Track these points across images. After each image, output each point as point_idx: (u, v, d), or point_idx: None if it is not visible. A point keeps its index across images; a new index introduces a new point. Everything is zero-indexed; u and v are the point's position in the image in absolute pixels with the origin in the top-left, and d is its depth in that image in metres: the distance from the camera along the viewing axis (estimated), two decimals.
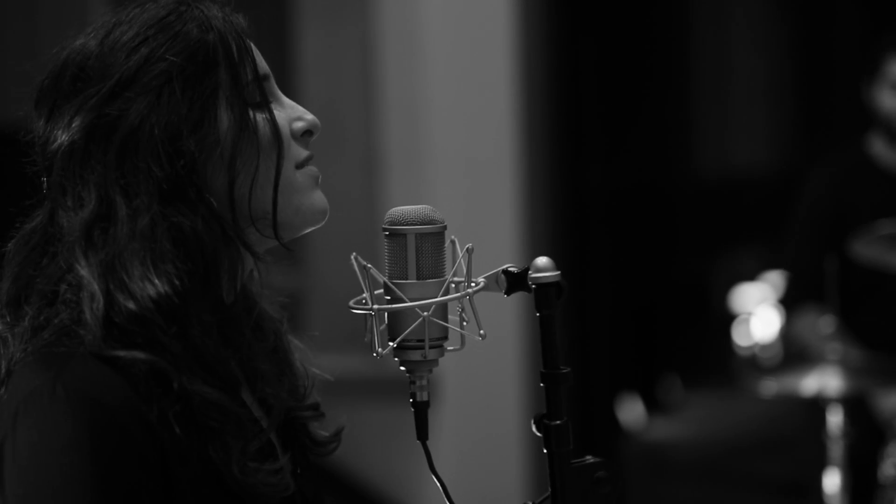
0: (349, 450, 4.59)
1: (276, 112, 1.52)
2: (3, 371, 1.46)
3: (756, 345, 5.13)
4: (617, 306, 5.62)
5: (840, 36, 5.40)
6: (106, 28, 1.51)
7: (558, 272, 1.46)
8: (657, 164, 5.78)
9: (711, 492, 4.79)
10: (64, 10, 4.83)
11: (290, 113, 1.55)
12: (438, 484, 1.49)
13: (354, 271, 1.47)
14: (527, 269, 1.47)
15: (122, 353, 1.40)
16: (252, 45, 1.54)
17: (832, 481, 3.19)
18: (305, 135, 1.55)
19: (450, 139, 4.76)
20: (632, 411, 5.11)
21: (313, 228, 1.56)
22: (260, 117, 1.51)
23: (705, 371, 5.59)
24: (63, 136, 1.46)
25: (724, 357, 5.32)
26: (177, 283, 1.42)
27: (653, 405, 5.20)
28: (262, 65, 1.54)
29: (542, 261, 1.47)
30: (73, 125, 1.46)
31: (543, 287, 1.46)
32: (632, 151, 5.67)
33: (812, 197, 3.96)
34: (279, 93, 1.56)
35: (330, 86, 4.78)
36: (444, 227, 1.48)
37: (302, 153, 1.54)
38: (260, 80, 1.52)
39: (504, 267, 1.49)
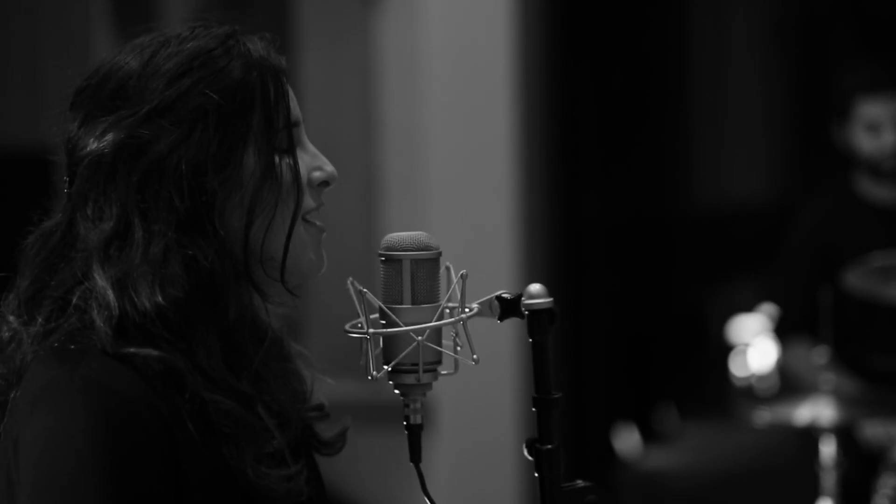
0: (345, 474, 4.61)
1: (299, 160, 1.54)
2: (16, 370, 1.48)
3: (752, 376, 5.13)
4: (613, 335, 5.63)
5: (837, 68, 5.42)
6: (152, 49, 1.52)
7: (551, 299, 1.49)
8: (654, 194, 5.79)
9: None
10: (65, 41, 4.86)
11: (312, 162, 1.57)
12: None
13: (350, 296, 1.49)
14: (520, 296, 1.50)
15: (135, 350, 1.43)
16: (289, 88, 1.56)
17: None
18: (321, 185, 1.58)
19: (448, 167, 4.78)
20: (627, 440, 5.12)
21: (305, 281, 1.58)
22: (284, 164, 1.53)
23: (701, 401, 5.59)
24: (93, 146, 1.49)
25: (720, 387, 5.33)
26: (182, 306, 1.45)
27: (649, 434, 5.21)
28: (295, 111, 1.56)
29: (534, 287, 1.49)
30: (105, 139, 1.48)
31: (536, 313, 1.48)
32: (629, 182, 5.69)
33: (801, 232, 3.97)
34: (305, 139, 1.58)
35: (329, 111, 4.80)
36: (440, 254, 1.50)
37: (311, 204, 1.56)
38: (291, 126, 1.54)
39: (498, 293, 1.52)
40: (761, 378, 4.96)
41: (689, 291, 5.88)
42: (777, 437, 4.56)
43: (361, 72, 4.92)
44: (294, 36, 5.00)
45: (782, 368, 3.96)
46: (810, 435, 3.29)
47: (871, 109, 3.80)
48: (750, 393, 4.92)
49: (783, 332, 3.94)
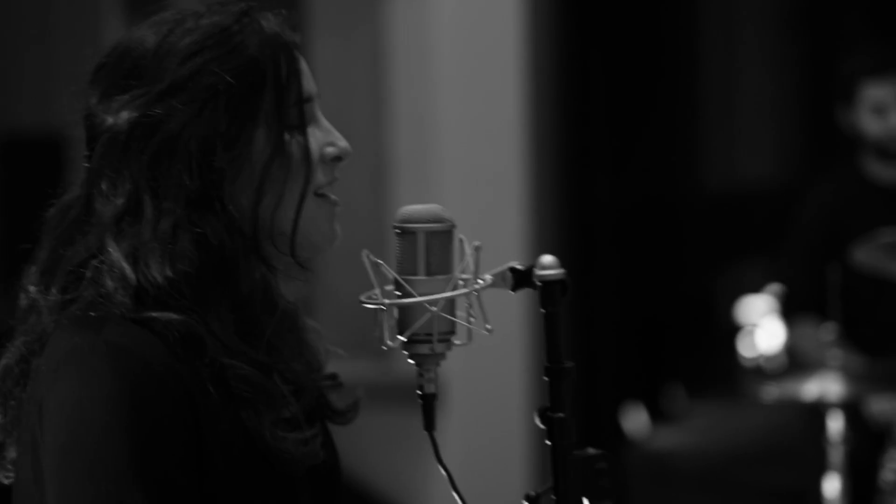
0: (355, 455, 4.63)
1: (310, 136, 1.56)
2: (38, 338, 1.51)
3: (761, 356, 5.15)
4: (622, 317, 5.65)
5: (846, 51, 5.43)
6: (168, 26, 1.54)
7: (563, 270, 1.52)
8: (664, 177, 5.81)
9: (714, 500, 4.81)
10: (76, 25, 4.88)
11: (324, 137, 1.58)
12: (445, 474, 1.53)
13: (363, 273, 1.51)
14: (532, 267, 1.53)
15: (156, 315, 1.46)
16: (304, 63, 1.58)
17: (832, 487, 3.21)
18: (334, 160, 1.59)
19: (458, 150, 4.79)
20: (636, 420, 5.14)
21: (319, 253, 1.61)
22: (295, 140, 1.54)
23: (709, 381, 5.61)
24: (109, 121, 1.52)
25: (728, 367, 5.35)
26: (193, 281, 1.48)
27: (657, 414, 5.23)
28: (308, 86, 1.58)
29: (547, 259, 1.52)
30: (121, 116, 1.51)
31: (548, 284, 1.51)
32: (639, 165, 5.70)
33: (809, 212, 3.97)
34: (319, 114, 1.59)
35: (340, 95, 4.81)
36: (454, 226, 1.52)
37: (322, 179, 1.58)
38: (303, 103, 1.56)
39: (510, 264, 1.54)
40: (769, 358, 4.98)
41: (697, 273, 5.90)
42: (784, 415, 4.58)
43: (373, 56, 4.93)
44: (306, 19, 5.01)
45: (790, 348, 3.98)
46: (817, 411, 3.31)
47: (876, 92, 3.80)
48: (758, 374, 4.95)
49: (790, 311, 3.96)
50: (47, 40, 4.98)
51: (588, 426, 5.28)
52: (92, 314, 1.47)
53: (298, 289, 1.68)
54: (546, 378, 1.51)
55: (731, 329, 5.43)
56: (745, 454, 4.88)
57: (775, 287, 4.36)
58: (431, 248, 1.51)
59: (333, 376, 1.71)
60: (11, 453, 1.53)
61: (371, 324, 1.50)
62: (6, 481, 1.55)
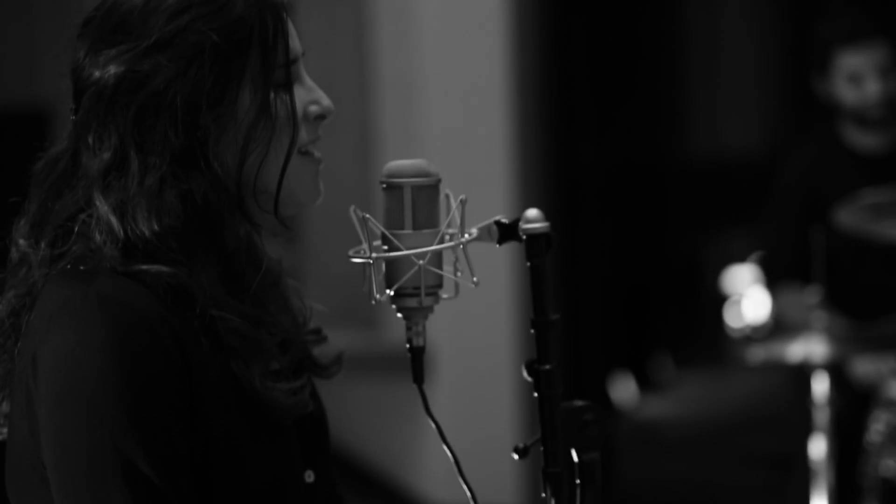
0: (343, 425, 4.65)
1: (295, 95, 1.56)
2: (28, 292, 1.52)
3: (748, 326, 5.17)
4: (608, 285, 5.66)
5: (831, 18, 5.44)
6: None
7: (548, 223, 1.53)
8: (649, 144, 5.82)
9: (703, 468, 4.84)
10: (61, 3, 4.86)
11: (308, 96, 1.59)
12: (434, 426, 1.54)
13: (350, 247, 1.52)
14: (517, 221, 1.54)
15: (145, 267, 1.47)
16: (291, 24, 1.58)
17: (818, 448, 3.23)
18: (318, 119, 1.60)
19: (444, 118, 4.80)
20: (624, 390, 5.17)
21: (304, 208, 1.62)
22: (280, 99, 1.55)
23: (696, 350, 5.64)
24: (96, 75, 1.52)
25: (714, 336, 5.37)
26: (179, 235, 1.49)
27: (645, 384, 5.26)
28: (295, 46, 1.58)
29: (532, 212, 1.54)
30: (108, 70, 1.52)
31: (534, 237, 1.53)
32: (624, 132, 5.71)
33: (788, 179, 3.96)
34: (304, 73, 1.60)
35: (325, 64, 4.81)
36: (439, 180, 1.54)
37: (306, 138, 1.58)
38: (289, 63, 1.56)
39: (496, 218, 1.56)
40: (756, 328, 5.00)
41: (683, 241, 5.91)
42: (770, 382, 4.61)
43: (357, 25, 4.93)
44: None
45: (775, 314, 3.99)
46: (803, 373, 3.32)
47: (851, 60, 3.76)
48: (745, 343, 4.97)
49: (773, 277, 3.96)
50: (30, 14, 4.97)
51: (576, 396, 5.30)
52: (82, 268, 1.48)
53: (282, 247, 1.69)
54: (533, 331, 1.53)
55: (718, 298, 5.45)
56: (732, 422, 4.91)
57: (758, 254, 4.38)
58: (418, 203, 1.52)
59: (318, 331, 1.73)
60: (5, 408, 1.54)
61: (359, 290, 1.51)
62: (1, 436, 1.56)
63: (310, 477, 1.62)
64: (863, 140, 3.84)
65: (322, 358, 1.71)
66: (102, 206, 1.49)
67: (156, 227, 1.48)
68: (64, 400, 1.43)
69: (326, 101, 1.61)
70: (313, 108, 1.60)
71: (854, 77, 3.76)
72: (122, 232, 1.47)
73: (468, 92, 4.79)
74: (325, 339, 1.72)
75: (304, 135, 1.58)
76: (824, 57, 3.81)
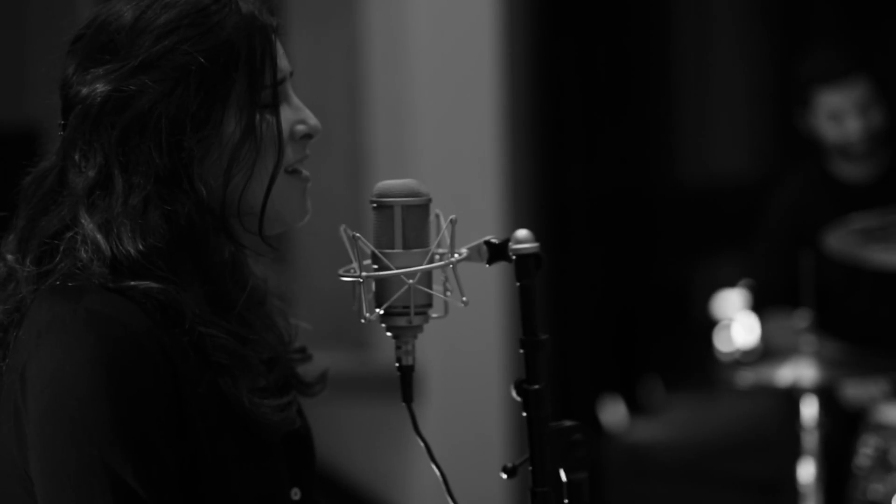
0: (332, 445, 4.65)
1: (281, 115, 1.57)
2: (12, 307, 1.53)
3: (737, 350, 5.17)
4: (598, 309, 5.66)
5: (820, 44, 5.46)
6: (147, 2, 1.55)
7: (537, 244, 1.54)
8: (638, 169, 5.83)
9: (692, 492, 4.84)
10: (52, 18, 4.86)
11: (294, 115, 1.60)
12: (423, 444, 1.55)
13: (341, 278, 1.53)
14: (507, 241, 1.55)
15: (134, 283, 1.48)
16: (279, 44, 1.59)
17: (807, 472, 3.23)
18: (304, 138, 1.61)
19: (434, 142, 4.80)
20: (614, 413, 5.16)
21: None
22: (265, 121, 1.55)
23: (686, 373, 5.64)
24: (83, 92, 1.53)
25: (704, 360, 5.37)
26: (164, 254, 1.50)
27: (634, 407, 5.25)
28: (283, 66, 1.59)
29: (522, 233, 1.55)
30: (94, 88, 1.52)
31: (523, 258, 1.54)
32: (613, 157, 5.72)
33: (776, 209, 3.97)
34: (291, 93, 1.61)
35: (316, 88, 4.82)
36: (429, 200, 1.55)
37: (292, 158, 1.59)
38: (276, 85, 1.57)
39: (486, 238, 1.57)
40: (746, 353, 5.00)
41: (672, 266, 5.92)
42: (760, 407, 4.61)
43: (349, 49, 4.94)
44: (282, 13, 5.00)
45: (763, 339, 3.99)
46: (792, 397, 3.32)
47: (830, 98, 3.76)
48: (734, 366, 4.97)
49: (761, 304, 3.97)
50: (22, 33, 4.97)
51: (565, 418, 5.29)
52: (70, 284, 1.48)
53: (271, 267, 1.70)
54: (522, 350, 1.53)
55: (707, 322, 5.45)
56: (721, 445, 4.91)
57: (747, 281, 4.38)
58: (408, 222, 1.53)
59: (302, 350, 1.73)
60: None
61: (348, 310, 1.52)
62: None
63: (296, 494, 1.62)
64: (848, 170, 3.84)
65: (307, 376, 1.72)
66: (88, 225, 1.50)
67: (140, 246, 1.48)
68: (52, 415, 1.43)
69: (313, 121, 1.61)
70: (300, 128, 1.60)
71: (834, 115, 3.76)
72: (108, 249, 1.48)
73: (458, 114, 4.80)
74: (311, 357, 1.73)
75: (290, 154, 1.59)
76: (805, 94, 3.82)
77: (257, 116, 1.54)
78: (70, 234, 1.51)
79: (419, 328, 1.53)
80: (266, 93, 1.56)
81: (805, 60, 3.96)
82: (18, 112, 4.83)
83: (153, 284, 1.48)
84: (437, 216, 1.56)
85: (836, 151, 3.82)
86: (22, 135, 4.58)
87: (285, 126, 1.57)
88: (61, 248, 1.51)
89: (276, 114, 1.56)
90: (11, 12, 5.08)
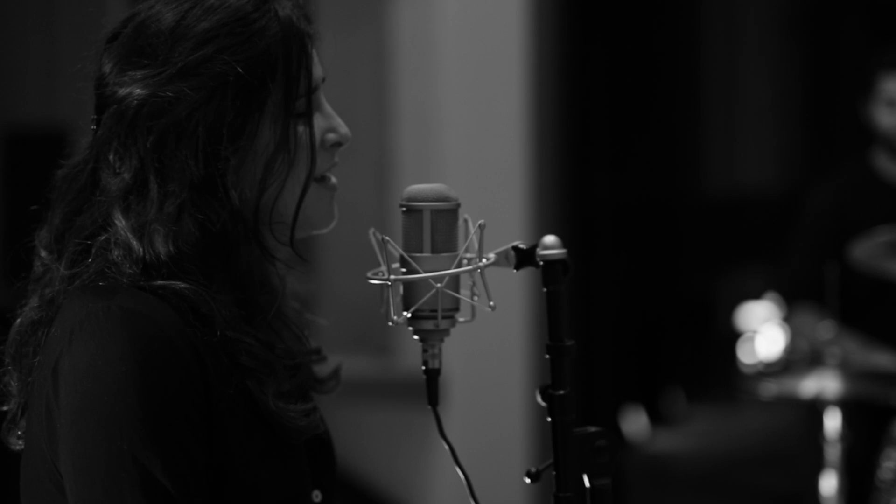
0: (355, 449, 4.65)
1: (314, 123, 1.57)
2: (45, 304, 1.53)
3: (760, 362, 5.16)
4: (622, 318, 5.66)
5: (847, 56, 5.45)
6: (188, 5, 1.55)
7: (565, 250, 1.54)
8: (665, 180, 5.83)
9: (713, 503, 4.83)
10: (81, 23, 4.89)
11: (326, 123, 1.60)
12: (448, 448, 1.55)
13: (365, 279, 1.54)
14: (535, 247, 1.54)
15: (166, 283, 1.48)
16: (314, 52, 1.59)
17: (829, 485, 3.22)
18: (334, 146, 1.61)
19: (461, 149, 4.81)
20: (635, 423, 5.16)
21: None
22: (300, 129, 1.56)
23: (709, 385, 5.64)
24: (120, 93, 1.53)
25: (727, 371, 5.36)
26: (196, 261, 1.50)
27: (656, 418, 5.25)
28: (317, 73, 1.59)
29: (549, 239, 1.54)
30: (132, 92, 1.52)
31: (551, 263, 1.53)
32: (640, 167, 5.72)
33: (816, 210, 3.99)
34: (323, 101, 1.61)
35: (344, 92, 4.83)
36: (458, 205, 1.55)
37: (324, 164, 1.59)
38: (311, 93, 1.57)
39: (514, 243, 1.57)
40: (769, 364, 4.99)
41: (697, 277, 5.92)
42: (782, 419, 4.60)
43: (376, 53, 4.95)
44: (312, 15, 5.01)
45: (789, 336, 3.99)
46: (815, 409, 3.32)
47: (891, 86, 3.83)
48: (757, 378, 4.96)
49: (793, 299, 3.97)
50: (52, 34, 5.00)
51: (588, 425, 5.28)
52: (102, 283, 1.49)
53: (296, 277, 1.70)
54: (548, 356, 1.53)
55: (731, 334, 5.44)
56: (743, 457, 4.90)
57: (773, 294, 4.37)
58: (437, 226, 1.53)
59: (318, 350, 1.74)
60: (23, 422, 1.56)
61: (373, 316, 1.52)
62: (17, 447, 1.57)
63: (317, 497, 1.63)
64: (893, 169, 3.87)
65: (320, 374, 1.73)
66: (122, 228, 1.50)
67: (172, 249, 1.49)
68: (84, 410, 1.44)
69: (344, 129, 1.62)
70: (331, 136, 1.61)
71: (892, 102, 3.81)
72: (140, 252, 1.48)
73: (485, 120, 4.80)
74: (325, 359, 1.74)
75: (320, 162, 1.59)
76: (870, 81, 3.85)
77: (291, 126, 1.55)
78: (104, 236, 1.52)
79: (446, 332, 1.53)
80: (300, 102, 1.56)
81: (875, 48, 4.01)
82: (49, 114, 4.85)
83: (184, 285, 1.49)
84: (466, 221, 1.56)
85: (885, 143, 3.84)
86: (52, 135, 4.60)
87: (317, 133, 1.58)
88: (94, 249, 1.51)
89: (310, 123, 1.57)
90: (41, 14, 5.11)
